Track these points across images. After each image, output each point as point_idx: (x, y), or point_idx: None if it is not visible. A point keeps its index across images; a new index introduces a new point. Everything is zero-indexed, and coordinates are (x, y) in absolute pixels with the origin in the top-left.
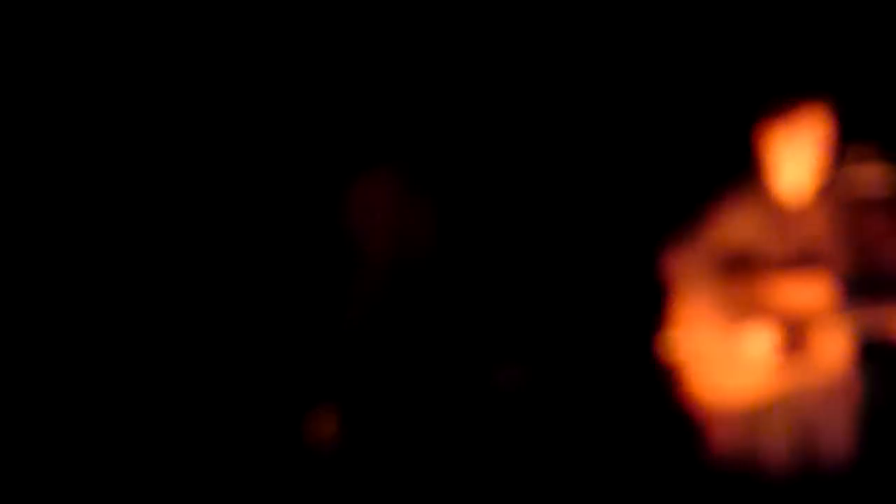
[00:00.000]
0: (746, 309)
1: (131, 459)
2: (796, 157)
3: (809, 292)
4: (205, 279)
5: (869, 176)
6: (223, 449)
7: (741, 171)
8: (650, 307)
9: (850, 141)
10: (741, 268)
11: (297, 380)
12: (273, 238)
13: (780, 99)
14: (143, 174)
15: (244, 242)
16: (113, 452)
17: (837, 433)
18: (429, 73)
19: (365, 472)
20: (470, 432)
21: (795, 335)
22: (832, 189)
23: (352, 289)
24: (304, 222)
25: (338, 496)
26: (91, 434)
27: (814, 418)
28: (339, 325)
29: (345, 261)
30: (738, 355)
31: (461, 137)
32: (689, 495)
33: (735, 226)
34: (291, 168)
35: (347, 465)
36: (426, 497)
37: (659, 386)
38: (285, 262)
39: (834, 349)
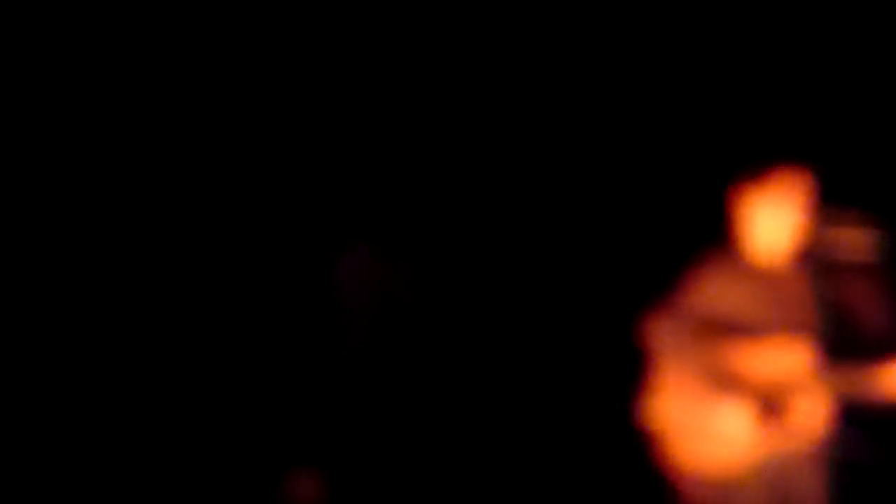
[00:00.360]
0: (725, 377)
1: None
2: (774, 221)
3: (789, 358)
4: (188, 331)
5: (848, 240)
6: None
7: (719, 236)
8: (629, 375)
9: (829, 205)
10: (720, 335)
11: (279, 440)
12: (254, 295)
13: (757, 163)
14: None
15: (224, 298)
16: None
17: (814, 499)
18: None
19: None
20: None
21: (774, 403)
22: (811, 253)
23: (333, 350)
24: (287, 284)
25: None
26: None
27: (791, 485)
28: (321, 383)
29: (325, 323)
30: (716, 425)
31: (432, 205)
32: None
33: (713, 292)
34: (272, 232)
35: None
36: None
37: (637, 453)
38: (267, 320)
39: (813, 415)
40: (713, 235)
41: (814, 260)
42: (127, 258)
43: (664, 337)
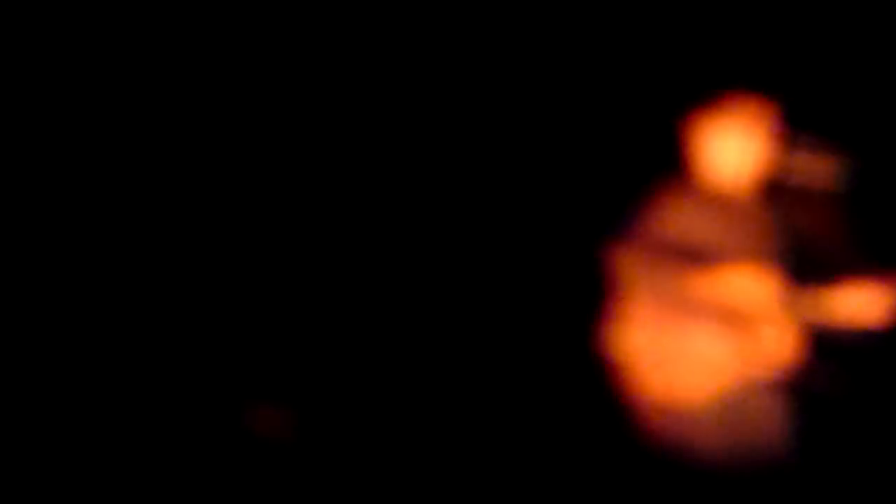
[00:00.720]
0: (689, 305)
1: (73, 451)
2: (736, 147)
3: (753, 286)
4: (156, 269)
5: (811, 167)
6: (172, 438)
7: (682, 164)
8: (593, 303)
9: (791, 131)
10: (684, 263)
11: (246, 372)
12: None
13: (721, 90)
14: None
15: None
16: (57, 440)
17: (781, 428)
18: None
19: (314, 463)
20: (418, 423)
21: (739, 330)
22: (774, 180)
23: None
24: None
25: (287, 487)
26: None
27: (755, 413)
28: (289, 317)
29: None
30: (681, 353)
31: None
32: (629, 490)
33: (676, 220)
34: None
35: (296, 457)
36: (377, 487)
37: (601, 382)
38: (234, 257)
39: (778, 342)
40: (676, 163)
41: (777, 187)
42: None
43: (627, 266)
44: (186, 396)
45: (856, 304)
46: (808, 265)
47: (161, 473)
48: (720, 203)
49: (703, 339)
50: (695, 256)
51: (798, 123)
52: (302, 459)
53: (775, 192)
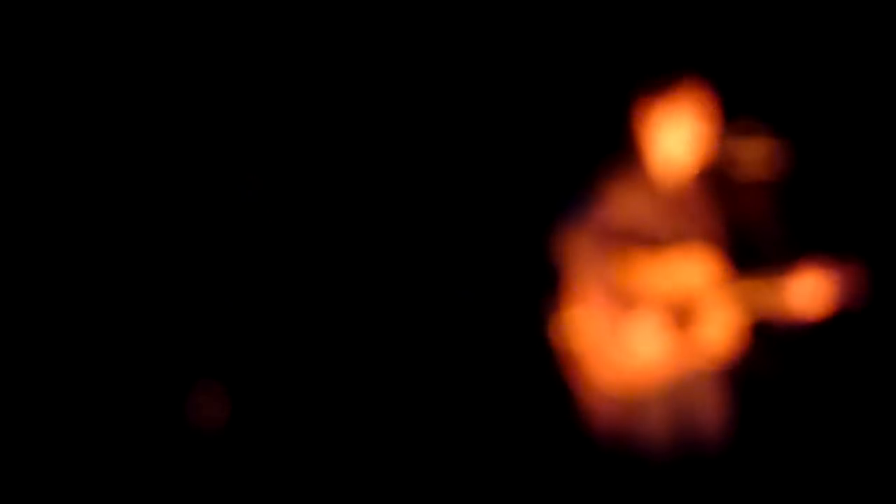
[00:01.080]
0: (633, 291)
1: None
2: (677, 135)
3: (694, 272)
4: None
5: (751, 153)
6: (108, 427)
7: (625, 152)
8: (540, 290)
9: (737, 120)
10: (627, 249)
11: (183, 359)
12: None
13: (659, 77)
14: None
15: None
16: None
17: (720, 413)
18: None
19: (250, 451)
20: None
21: (681, 316)
22: (715, 166)
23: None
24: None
25: (223, 475)
26: None
27: (696, 399)
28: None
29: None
30: (625, 339)
31: None
32: (575, 476)
33: (620, 207)
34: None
35: (233, 445)
36: (315, 475)
37: (548, 367)
38: (171, 246)
39: (719, 329)
40: (623, 152)
41: (717, 173)
42: None
43: (572, 252)
44: (128, 380)
45: (796, 291)
46: (749, 252)
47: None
48: (663, 189)
49: (646, 326)
50: (639, 242)
51: (739, 111)
52: (240, 450)
53: (718, 179)
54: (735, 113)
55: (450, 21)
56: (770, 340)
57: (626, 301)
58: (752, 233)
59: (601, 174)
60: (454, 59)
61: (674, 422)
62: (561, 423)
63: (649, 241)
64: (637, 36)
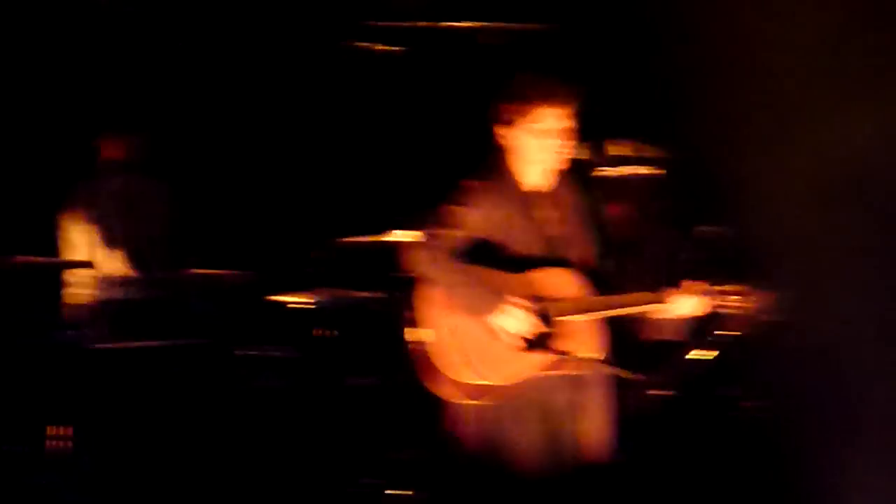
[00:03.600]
0: (494, 299)
1: None
2: (537, 143)
3: (558, 281)
4: None
5: (617, 159)
6: None
7: (485, 160)
8: (399, 298)
9: (597, 126)
10: (487, 258)
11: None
12: None
13: (524, 91)
14: None
15: None
16: None
17: (592, 423)
18: None
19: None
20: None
21: (545, 324)
22: (577, 173)
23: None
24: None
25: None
26: None
27: (566, 409)
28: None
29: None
30: (489, 346)
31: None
32: (442, 487)
33: (479, 217)
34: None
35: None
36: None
37: (407, 377)
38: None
39: (583, 336)
40: (478, 160)
41: (581, 179)
42: None
43: (430, 262)
44: None
45: (667, 297)
46: (617, 260)
47: None
48: (525, 197)
49: (506, 333)
50: (500, 250)
51: (604, 118)
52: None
53: (580, 184)
54: (597, 119)
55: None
56: (638, 351)
57: (487, 309)
58: (618, 239)
59: (461, 184)
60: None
61: (537, 429)
62: (427, 429)
63: (510, 249)
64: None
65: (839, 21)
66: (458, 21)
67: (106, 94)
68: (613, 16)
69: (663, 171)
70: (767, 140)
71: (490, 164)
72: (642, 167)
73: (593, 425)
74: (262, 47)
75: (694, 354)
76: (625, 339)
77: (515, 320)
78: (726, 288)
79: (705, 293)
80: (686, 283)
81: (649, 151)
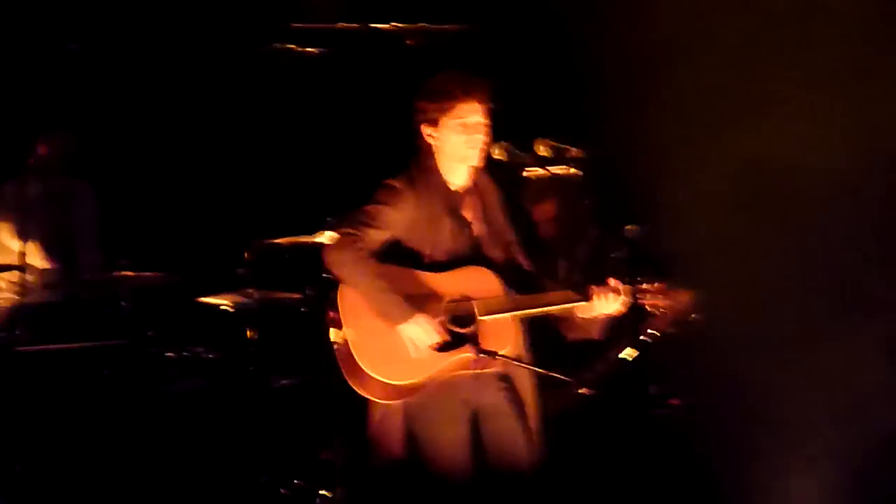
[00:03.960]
0: (413, 298)
1: None
2: (457, 141)
3: (482, 280)
4: None
5: (543, 163)
6: None
7: (411, 161)
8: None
9: (525, 131)
10: (407, 257)
11: None
12: None
13: (446, 87)
14: None
15: None
16: None
17: (515, 422)
18: None
19: None
20: None
21: (462, 322)
22: (499, 171)
23: None
24: None
25: None
26: None
27: (483, 402)
28: None
29: None
30: (404, 344)
31: None
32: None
33: (399, 215)
34: None
35: None
36: None
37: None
38: None
39: (502, 334)
40: (398, 160)
41: (506, 178)
42: None
43: (349, 264)
44: None
45: (592, 295)
46: (537, 258)
47: None
48: (445, 196)
49: (425, 331)
50: (417, 249)
51: (527, 117)
52: None
53: (501, 182)
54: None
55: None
56: (562, 349)
57: (406, 307)
58: (541, 237)
59: (381, 183)
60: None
61: (465, 430)
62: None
63: (428, 247)
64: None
65: (758, 23)
66: (381, 22)
67: (30, 93)
68: (534, 16)
69: (584, 171)
70: (685, 141)
71: (414, 163)
72: (565, 167)
73: (516, 425)
74: (185, 48)
75: (619, 353)
76: (551, 337)
77: (424, 332)
78: (650, 286)
79: (629, 291)
80: (610, 281)
81: (572, 151)
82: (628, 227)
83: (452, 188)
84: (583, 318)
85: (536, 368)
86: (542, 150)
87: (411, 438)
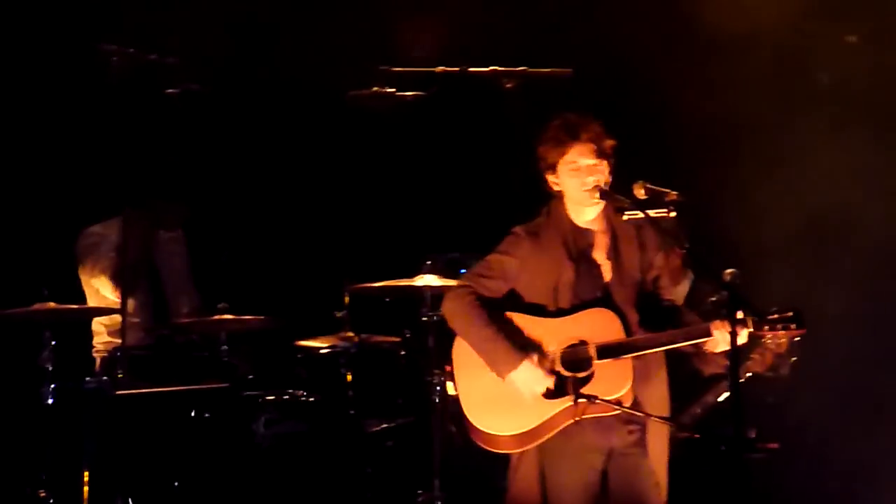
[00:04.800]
0: (517, 356)
1: None
2: (582, 185)
3: (598, 322)
4: None
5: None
6: None
7: (540, 208)
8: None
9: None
10: (532, 305)
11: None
12: None
13: (559, 132)
14: None
15: None
16: None
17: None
18: None
19: None
20: None
21: (577, 368)
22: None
23: None
24: None
25: None
26: None
27: (606, 452)
28: None
29: None
30: (513, 396)
31: None
32: None
33: (520, 264)
34: None
35: None
36: None
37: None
38: None
39: (621, 381)
40: (501, 203)
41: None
42: None
43: (462, 315)
44: None
45: (714, 329)
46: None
47: None
48: (577, 240)
49: (522, 389)
50: (543, 295)
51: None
52: None
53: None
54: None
55: None
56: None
57: (510, 366)
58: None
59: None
60: None
61: (582, 476)
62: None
63: (554, 291)
64: None
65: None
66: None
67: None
68: (628, 61)
69: (681, 214)
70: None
71: (545, 209)
72: (663, 210)
73: (645, 470)
74: (285, 92)
75: (718, 398)
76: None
77: (532, 379)
78: (771, 318)
79: (754, 322)
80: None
81: (670, 194)
82: (727, 270)
83: (584, 230)
84: (713, 353)
85: (636, 412)
86: (640, 193)
87: (528, 487)
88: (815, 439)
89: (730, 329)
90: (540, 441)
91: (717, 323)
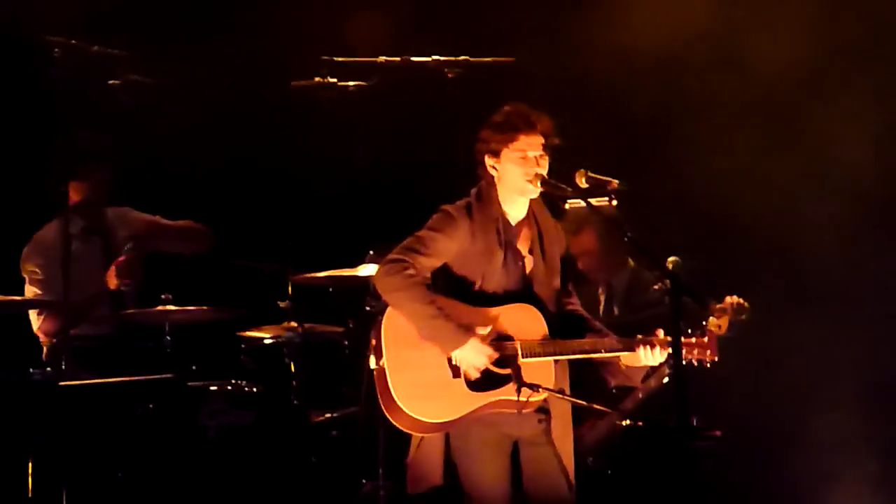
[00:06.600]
0: (463, 334)
1: None
2: (524, 174)
3: (526, 318)
4: None
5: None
6: None
7: (470, 191)
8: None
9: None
10: (459, 290)
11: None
12: None
13: (510, 119)
14: None
15: None
16: None
17: (553, 455)
18: None
19: None
20: None
21: (509, 364)
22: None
23: None
24: None
25: None
26: None
27: (527, 441)
28: None
29: None
30: (444, 382)
31: None
32: None
33: (453, 245)
34: None
35: None
36: None
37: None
38: None
39: (542, 378)
40: (440, 192)
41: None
42: None
43: (402, 289)
44: None
45: (636, 346)
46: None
47: None
48: (506, 231)
49: (464, 366)
50: (471, 282)
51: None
52: None
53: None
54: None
55: None
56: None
57: (455, 343)
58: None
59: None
60: None
61: (503, 464)
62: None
63: (481, 280)
64: None
65: None
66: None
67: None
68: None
69: (624, 203)
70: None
71: (475, 192)
72: (605, 198)
73: (555, 456)
74: (226, 83)
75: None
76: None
77: (479, 356)
78: (691, 340)
79: (670, 344)
80: (659, 333)
81: (612, 183)
82: (670, 259)
83: (511, 220)
84: (627, 366)
85: (579, 401)
86: (581, 182)
87: (450, 468)
88: (756, 426)
89: (663, 345)
90: (459, 426)
91: (642, 339)
